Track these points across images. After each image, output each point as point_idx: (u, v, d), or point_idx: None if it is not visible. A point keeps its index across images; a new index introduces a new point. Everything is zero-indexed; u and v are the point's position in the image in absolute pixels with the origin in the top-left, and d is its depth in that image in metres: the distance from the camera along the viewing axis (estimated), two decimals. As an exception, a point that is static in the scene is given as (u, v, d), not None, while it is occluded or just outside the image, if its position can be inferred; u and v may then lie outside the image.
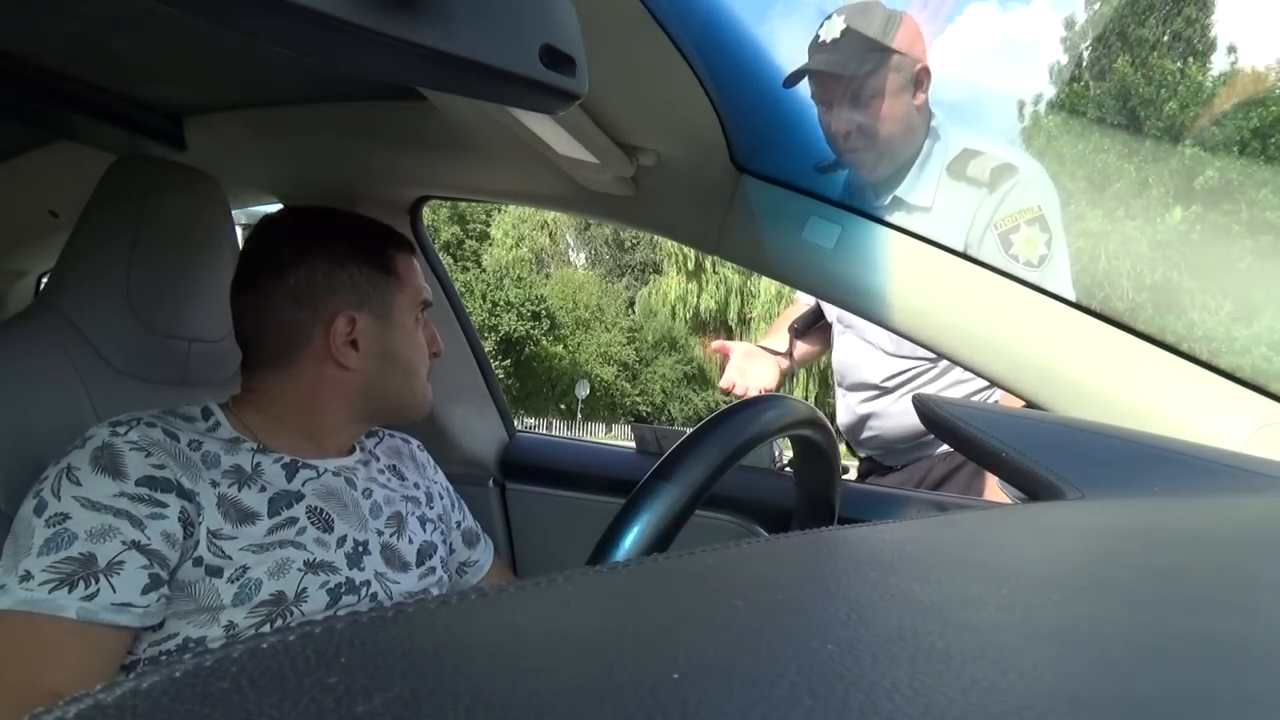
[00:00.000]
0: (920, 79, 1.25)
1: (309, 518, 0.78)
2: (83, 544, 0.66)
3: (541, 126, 0.86)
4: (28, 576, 0.65)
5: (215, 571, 0.71)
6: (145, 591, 0.68)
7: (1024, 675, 0.16)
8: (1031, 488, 0.41)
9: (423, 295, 0.89)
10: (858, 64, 1.23)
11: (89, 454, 0.70)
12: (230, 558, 0.72)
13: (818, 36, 1.24)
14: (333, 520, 0.80)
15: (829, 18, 1.24)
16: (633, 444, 1.42)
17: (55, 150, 1.38)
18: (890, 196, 1.27)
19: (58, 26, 0.98)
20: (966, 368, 0.91)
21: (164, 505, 0.70)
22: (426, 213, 1.48)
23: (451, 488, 1.03)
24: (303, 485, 0.80)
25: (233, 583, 0.72)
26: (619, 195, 1.05)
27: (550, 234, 30.33)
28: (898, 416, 1.42)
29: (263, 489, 0.77)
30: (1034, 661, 0.17)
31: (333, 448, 0.86)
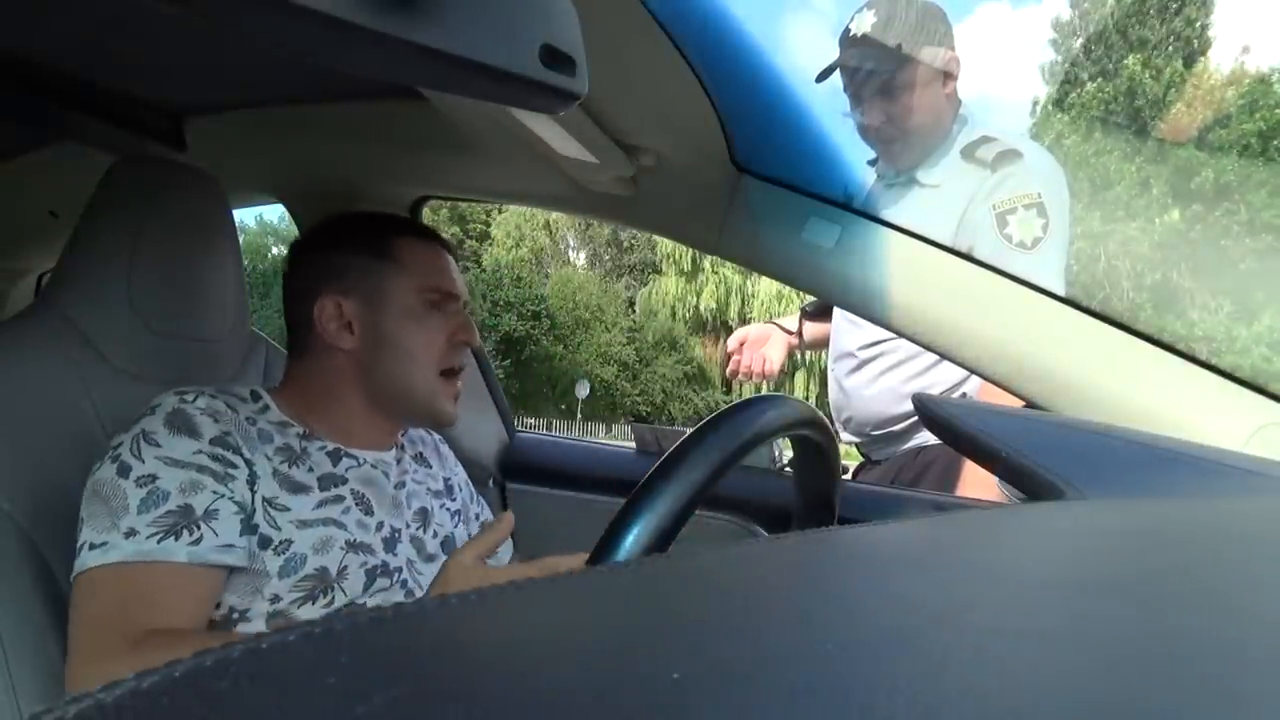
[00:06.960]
0: (950, 69, 1.25)
1: (353, 499, 0.82)
2: (177, 498, 0.70)
3: (541, 126, 0.86)
4: (133, 532, 0.68)
5: (265, 542, 0.74)
6: (242, 534, 0.73)
7: (1023, 676, 0.16)
8: (1031, 488, 0.41)
9: (433, 281, 0.86)
10: (889, 58, 1.24)
11: (161, 419, 0.74)
12: (280, 529, 0.75)
13: (848, 30, 1.25)
14: (372, 506, 0.83)
15: (859, 11, 1.24)
16: (632, 444, 1.42)
17: (55, 150, 1.38)
18: (907, 176, 1.30)
19: (58, 26, 0.98)
20: (967, 367, 0.91)
21: (234, 466, 0.74)
22: (426, 213, 1.48)
23: (469, 481, 1.05)
24: (346, 471, 0.83)
25: (279, 555, 0.74)
26: (619, 195, 1.05)
27: (550, 234, 30.30)
28: (869, 400, 1.43)
29: (310, 469, 0.80)
30: (1033, 662, 0.17)
31: (367, 441, 0.88)
